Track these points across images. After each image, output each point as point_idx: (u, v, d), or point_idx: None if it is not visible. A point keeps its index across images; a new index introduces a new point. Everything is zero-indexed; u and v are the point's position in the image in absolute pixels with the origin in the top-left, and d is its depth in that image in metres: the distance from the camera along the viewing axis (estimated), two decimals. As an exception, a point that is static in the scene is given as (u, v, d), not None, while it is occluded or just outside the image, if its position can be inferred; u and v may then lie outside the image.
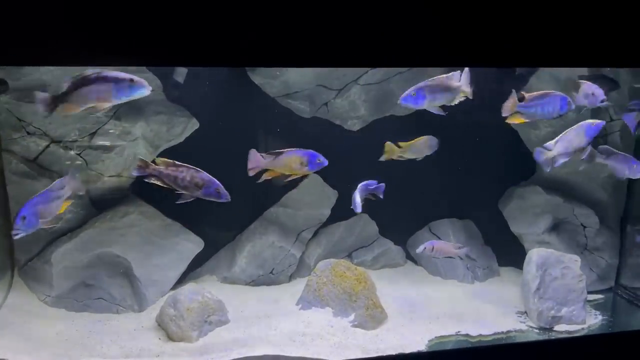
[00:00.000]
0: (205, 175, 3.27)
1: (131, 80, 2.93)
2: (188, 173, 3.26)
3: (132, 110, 4.01)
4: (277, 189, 4.67)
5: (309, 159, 3.48)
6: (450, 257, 4.50)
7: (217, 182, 3.28)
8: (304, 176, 4.62)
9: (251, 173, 3.48)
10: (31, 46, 2.14)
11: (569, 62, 2.73)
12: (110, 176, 4.02)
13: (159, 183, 3.29)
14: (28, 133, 3.80)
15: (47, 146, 3.85)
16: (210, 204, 4.20)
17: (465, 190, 4.87)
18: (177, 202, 3.30)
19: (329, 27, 2.30)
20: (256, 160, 3.46)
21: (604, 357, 3.67)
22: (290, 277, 4.67)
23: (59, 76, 3.71)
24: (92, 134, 3.92)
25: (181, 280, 4.33)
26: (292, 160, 3.46)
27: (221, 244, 4.75)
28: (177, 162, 3.29)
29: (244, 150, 4.26)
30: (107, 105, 2.98)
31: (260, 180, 3.50)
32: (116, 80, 2.90)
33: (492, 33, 2.44)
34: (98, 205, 4.17)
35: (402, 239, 5.13)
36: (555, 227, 4.70)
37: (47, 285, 3.93)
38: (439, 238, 4.97)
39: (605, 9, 2.50)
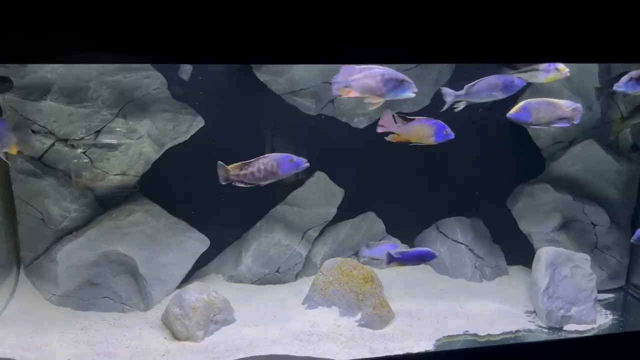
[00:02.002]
0: (273, 156, 3.34)
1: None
2: (258, 164, 3.33)
3: (138, 108, 4.00)
4: (283, 187, 4.64)
5: (437, 130, 3.51)
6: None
7: (285, 155, 3.33)
8: (309, 175, 4.61)
9: (380, 130, 3.51)
10: (35, 44, 2.12)
11: (580, 58, 2.68)
12: (115, 174, 4.01)
13: (242, 185, 3.41)
14: (33, 131, 3.79)
15: (52, 144, 3.85)
16: (216, 203, 4.19)
17: (473, 188, 4.83)
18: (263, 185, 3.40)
19: (336, 23, 2.26)
20: (388, 120, 3.48)
21: (614, 358, 3.62)
22: (297, 276, 4.65)
23: (63, 74, 3.71)
24: (98, 132, 3.91)
25: (187, 279, 4.32)
26: (420, 129, 3.50)
27: (227, 242, 4.73)
28: (244, 162, 3.39)
29: (249, 148, 4.24)
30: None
31: (387, 139, 3.53)
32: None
33: (506, 29, 2.39)
34: (103, 203, 4.16)
35: (410, 238, 5.09)
36: (565, 226, 4.65)
37: (53, 283, 3.92)
38: (447, 236, 4.94)
39: (616, 5, 2.45)
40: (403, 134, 3.50)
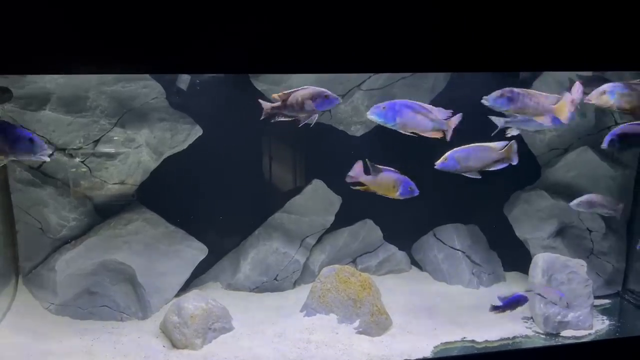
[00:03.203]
0: (310, 90, 3.30)
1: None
2: (296, 95, 3.30)
3: (136, 117, 4.02)
4: (281, 195, 4.66)
5: (403, 185, 3.58)
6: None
7: (318, 89, 3.29)
8: (307, 182, 4.63)
9: (348, 180, 3.57)
10: (34, 55, 2.15)
11: (572, 66, 2.72)
12: (114, 183, 4.03)
13: (284, 118, 3.37)
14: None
15: (51, 154, 3.86)
16: (214, 211, 4.21)
17: (470, 195, 4.85)
18: (300, 126, 3.39)
19: (332, 33, 2.29)
20: (358, 171, 3.56)
21: (611, 363, 3.64)
22: (295, 284, 4.66)
23: (63, 84, 3.74)
24: (96, 142, 3.93)
25: (185, 287, 4.32)
26: (387, 182, 3.58)
27: (225, 250, 4.74)
28: (284, 92, 3.33)
29: (247, 156, 4.27)
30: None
31: (355, 188, 3.59)
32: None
33: (498, 37, 2.43)
34: (102, 212, 4.17)
35: (407, 245, 5.11)
36: (561, 232, 4.67)
37: (51, 292, 3.93)
38: (444, 243, 4.96)
39: (607, 12, 2.48)
40: (370, 185, 3.56)
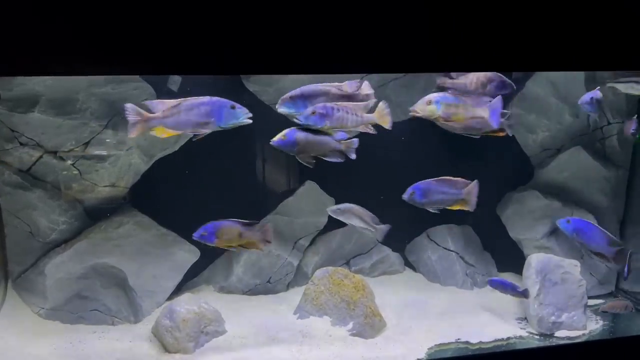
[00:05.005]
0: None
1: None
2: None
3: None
4: (274, 197, 4.64)
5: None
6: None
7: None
8: (300, 184, 4.61)
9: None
10: (23, 56, 2.12)
11: (565, 67, 2.71)
12: (104, 186, 3.99)
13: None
14: (21, 144, 3.76)
15: (41, 157, 3.82)
16: (206, 213, 4.17)
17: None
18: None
19: (324, 33, 2.28)
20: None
21: (605, 364, 3.64)
22: (288, 286, 4.63)
23: (52, 86, 3.70)
24: (86, 144, 3.89)
25: (177, 291, 4.28)
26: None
27: (217, 253, 4.70)
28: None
29: (239, 158, 4.23)
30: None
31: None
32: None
33: (488, 37, 2.41)
34: (92, 215, 4.12)
35: (401, 246, 5.09)
36: (555, 232, 4.67)
37: (41, 297, 3.88)
38: (438, 244, 4.94)
39: (601, 12, 2.48)
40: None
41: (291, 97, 3.27)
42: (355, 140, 3.51)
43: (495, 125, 3.44)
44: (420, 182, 3.67)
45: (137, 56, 2.19)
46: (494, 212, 4.92)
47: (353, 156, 3.51)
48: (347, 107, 3.33)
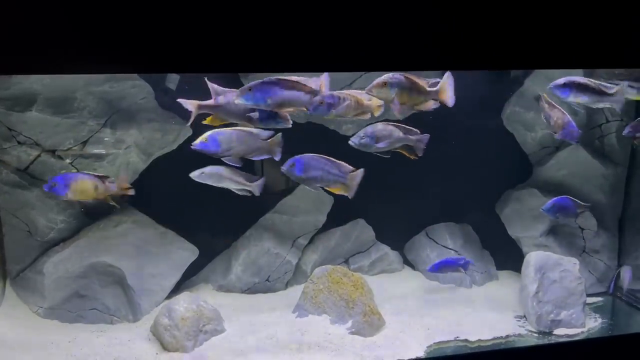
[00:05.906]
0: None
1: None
2: None
3: (125, 118, 3.98)
4: (273, 196, 4.63)
5: None
6: None
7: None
8: (299, 183, 4.59)
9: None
10: (20, 55, 2.11)
11: (564, 64, 2.71)
12: (103, 185, 3.98)
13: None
14: (19, 142, 3.75)
15: (39, 155, 3.81)
16: (205, 212, 4.17)
17: (462, 194, 4.84)
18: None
19: (322, 32, 2.27)
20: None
21: (604, 361, 3.64)
22: (287, 284, 4.63)
23: (49, 85, 3.69)
24: (84, 143, 3.88)
25: (176, 289, 4.28)
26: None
27: (216, 251, 4.70)
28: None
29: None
30: None
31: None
32: None
33: (487, 35, 2.41)
34: (90, 214, 4.12)
35: (399, 244, 5.09)
36: (553, 230, 4.67)
37: (40, 296, 3.88)
38: (437, 242, 4.95)
39: (599, 10, 2.48)
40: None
41: (250, 89, 3.20)
42: (280, 136, 3.44)
43: (450, 104, 3.28)
44: (303, 155, 3.50)
45: (135, 55, 2.18)
46: (493, 210, 4.92)
47: (278, 156, 3.47)
48: (350, 94, 3.31)
